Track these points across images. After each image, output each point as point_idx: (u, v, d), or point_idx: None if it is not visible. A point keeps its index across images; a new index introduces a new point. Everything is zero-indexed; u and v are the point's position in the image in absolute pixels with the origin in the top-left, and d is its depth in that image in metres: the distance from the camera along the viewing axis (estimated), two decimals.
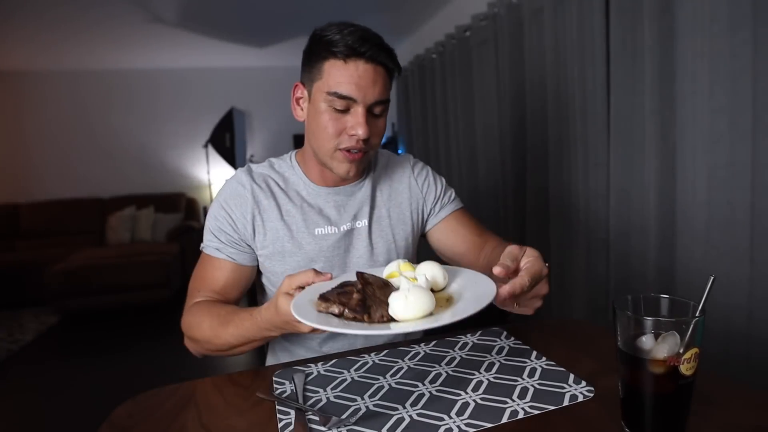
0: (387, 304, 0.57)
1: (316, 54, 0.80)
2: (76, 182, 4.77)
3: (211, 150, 4.54)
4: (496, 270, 0.63)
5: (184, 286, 4.14)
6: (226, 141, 4.35)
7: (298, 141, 5.25)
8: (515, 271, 0.65)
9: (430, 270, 0.66)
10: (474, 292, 0.62)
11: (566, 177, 2.28)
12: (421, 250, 1.08)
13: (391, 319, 0.57)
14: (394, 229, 0.97)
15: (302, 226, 0.90)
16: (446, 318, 0.53)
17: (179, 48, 4.24)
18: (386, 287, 0.63)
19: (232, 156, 4.34)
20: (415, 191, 1.00)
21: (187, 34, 3.86)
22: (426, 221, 1.02)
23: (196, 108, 5.01)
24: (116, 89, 4.82)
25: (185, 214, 4.81)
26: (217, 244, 0.89)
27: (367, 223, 0.94)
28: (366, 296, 0.58)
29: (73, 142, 4.76)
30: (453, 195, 1.04)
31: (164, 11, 3.30)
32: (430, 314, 0.56)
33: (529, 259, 0.66)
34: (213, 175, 4.79)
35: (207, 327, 0.80)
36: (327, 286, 0.64)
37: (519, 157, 2.73)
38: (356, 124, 0.79)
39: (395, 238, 0.96)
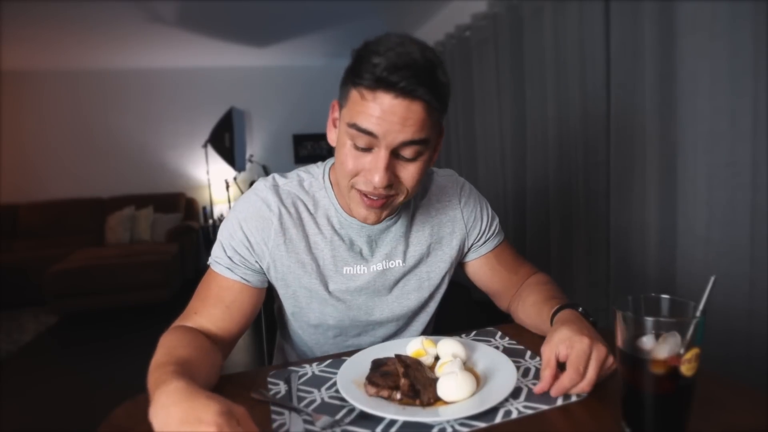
0: (431, 386, 0.63)
1: (347, 75, 0.68)
2: (75, 182, 4.76)
3: (211, 150, 4.54)
4: (537, 390, 0.62)
5: (184, 287, 4.09)
6: (226, 141, 4.34)
7: (298, 141, 5.25)
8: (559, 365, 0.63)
9: (455, 348, 0.70)
10: (490, 361, 0.71)
11: (566, 177, 2.27)
12: None
13: (437, 399, 0.62)
14: (431, 267, 0.87)
15: (330, 263, 0.81)
16: (492, 401, 0.59)
17: (179, 48, 4.24)
18: (421, 367, 0.67)
19: (231, 156, 4.34)
20: (459, 225, 0.89)
21: (187, 34, 3.86)
22: (466, 254, 0.93)
23: (196, 108, 5.00)
24: (115, 89, 4.81)
25: (184, 214, 4.81)
26: (228, 263, 0.79)
27: (401, 263, 0.84)
28: (412, 380, 0.62)
29: (72, 142, 4.75)
30: (497, 227, 0.94)
31: (164, 11, 3.30)
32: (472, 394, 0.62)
33: (567, 352, 0.62)
34: (212, 175, 4.79)
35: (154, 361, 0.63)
36: (357, 364, 0.70)
37: (519, 157, 2.72)
38: (374, 169, 0.66)
39: (429, 276, 0.87)
